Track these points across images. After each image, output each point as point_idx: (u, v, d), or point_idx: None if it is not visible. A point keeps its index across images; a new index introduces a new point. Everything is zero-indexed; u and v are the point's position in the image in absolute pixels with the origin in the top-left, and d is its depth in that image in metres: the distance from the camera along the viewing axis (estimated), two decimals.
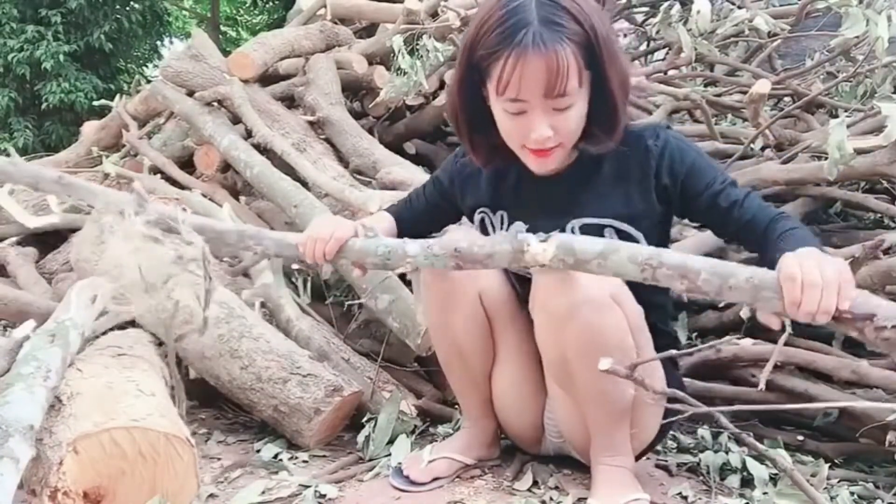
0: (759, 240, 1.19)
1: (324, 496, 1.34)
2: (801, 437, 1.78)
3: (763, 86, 2.21)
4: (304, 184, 2.24)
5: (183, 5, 15.51)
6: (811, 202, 2.31)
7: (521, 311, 1.39)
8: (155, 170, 2.93)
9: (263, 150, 2.42)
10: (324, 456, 1.59)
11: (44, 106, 9.95)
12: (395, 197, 1.83)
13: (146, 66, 12.51)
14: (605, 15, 1.19)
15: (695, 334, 2.09)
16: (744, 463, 1.51)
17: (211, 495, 1.36)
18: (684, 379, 1.59)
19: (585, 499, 1.31)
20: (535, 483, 1.42)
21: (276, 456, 1.56)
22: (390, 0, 3.31)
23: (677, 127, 2.86)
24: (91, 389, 1.29)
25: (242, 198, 2.73)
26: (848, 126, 1.91)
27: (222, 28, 15.15)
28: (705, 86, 3.28)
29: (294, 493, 1.35)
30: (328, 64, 2.85)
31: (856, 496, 1.47)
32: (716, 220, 1.27)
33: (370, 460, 1.55)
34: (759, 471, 1.46)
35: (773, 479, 1.45)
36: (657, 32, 3.00)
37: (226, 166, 2.72)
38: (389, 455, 1.54)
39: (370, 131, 2.79)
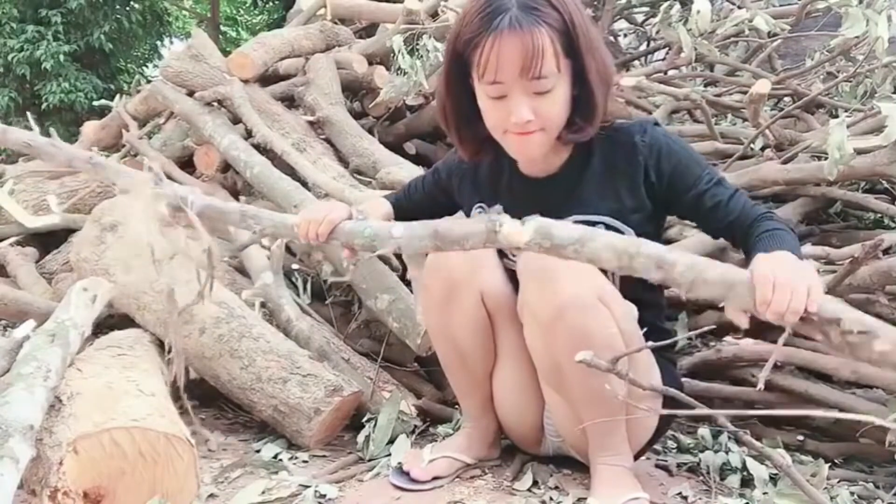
0: (742, 239, 1.22)
1: (324, 496, 1.34)
2: (800, 437, 1.78)
3: (763, 86, 2.21)
4: (304, 184, 2.23)
5: (183, 5, 15.51)
6: (811, 202, 2.32)
7: None
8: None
9: (263, 150, 2.41)
10: (324, 456, 1.59)
11: (44, 106, 9.97)
12: None
13: (146, 66, 12.53)
14: (584, 8, 1.23)
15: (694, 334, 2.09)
16: (744, 463, 1.50)
17: (211, 495, 1.36)
18: (683, 379, 1.59)
19: (585, 498, 1.31)
20: (535, 483, 1.42)
21: (275, 456, 1.56)
22: (390, 0, 3.31)
23: (677, 127, 2.87)
24: (91, 389, 1.29)
25: (242, 198, 2.72)
26: (848, 126, 1.91)
27: (222, 28, 15.15)
28: (705, 86, 3.29)
29: (294, 493, 1.35)
30: (328, 64, 2.84)
31: (856, 496, 1.47)
32: (701, 218, 1.30)
33: (370, 460, 1.55)
34: (759, 471, 1.46)
35: (773, 479, 1.45)
36: (657, 32, 3.00)
37: (226, 166, 2.72)
38: (389, 455, 1.54)
39: (370, 131, 2.79)
